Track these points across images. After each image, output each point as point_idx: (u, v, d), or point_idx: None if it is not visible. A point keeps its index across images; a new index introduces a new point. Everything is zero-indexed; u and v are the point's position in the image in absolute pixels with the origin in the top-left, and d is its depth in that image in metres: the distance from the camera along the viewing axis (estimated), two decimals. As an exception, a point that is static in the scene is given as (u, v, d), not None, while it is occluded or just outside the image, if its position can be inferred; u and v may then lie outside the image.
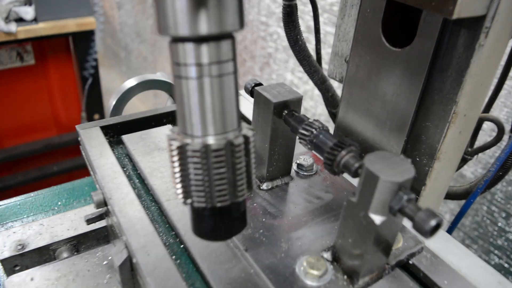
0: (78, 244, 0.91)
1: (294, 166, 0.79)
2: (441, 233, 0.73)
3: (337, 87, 1.13)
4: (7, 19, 2.34)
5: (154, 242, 0.64)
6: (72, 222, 0.90)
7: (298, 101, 0.66)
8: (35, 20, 2.41)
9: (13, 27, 2.30)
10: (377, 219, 0.50)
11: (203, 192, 0.48)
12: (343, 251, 0.58)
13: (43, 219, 0.91)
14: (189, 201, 0.50)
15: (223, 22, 0.43)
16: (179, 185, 0.49)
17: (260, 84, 0.70)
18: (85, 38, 2.62)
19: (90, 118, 2.81)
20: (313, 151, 0.60)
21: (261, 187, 0.73)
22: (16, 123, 2.77)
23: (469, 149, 1.03)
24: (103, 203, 0.76)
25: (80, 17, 2.52)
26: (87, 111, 2.79)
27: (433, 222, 0.45)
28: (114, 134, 0.94)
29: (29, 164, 2.78)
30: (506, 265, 1.53)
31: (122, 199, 0.71)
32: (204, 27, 0.42)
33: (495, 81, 0.92)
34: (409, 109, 0.79)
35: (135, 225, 0.67)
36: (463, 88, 0.72)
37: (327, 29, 1.93)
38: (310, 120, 0.61)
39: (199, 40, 0.43)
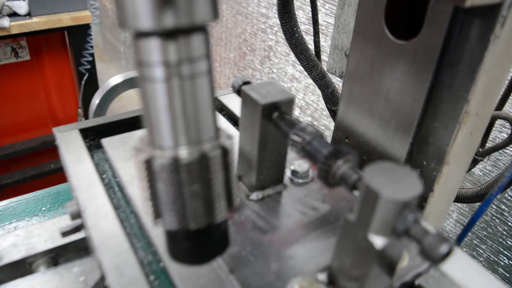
0: (57, 256, 0.85)
1: (288, 173, 0.72)
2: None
3: (340, 82, 1.05)
4: (0, 14, 2.28)
5: (129, 261, 0.57)
6: (51, 232, 0.84)
7: (290, 102, 0.59)
8: (29, 14, 2.35)
9: (6, 22, 2.24)
10: (378, 241, 0.43)
11: (174, 213, 0.41)
12: (340, 273, 0.51)
13: (20, 229, 0.84)
14: (159, 221, 0.43)
15: (193, 12, 0.36)
16: (148, 203, 0.43)
17: (249, 83, 0.63)
18: (80, 33, 2.55)
19: (87, 115, 2.75)
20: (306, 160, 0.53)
21: (250, 197, 0.66)
22: (12, 121, 2.72)
23: (480, 149, 0.95)
24: (78, 214, 0.69)
25: (75, 11, 2.45)
26: (84, 107, 2.73)
27: (444, 248, 0.38)
28: (95, 137, 0.87)
29: (27, 162, 2.72)
30: (516, 265, 1.47)
31: (97, 212, 0.65)
32: (170, 19, 0.35)
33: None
34: (415, 108, 0.71)
35: (109, 241, 0.60)
36: (475, 84, 0.64)
37: (329, 21, 1.85)
38: (302, 125, 0.53)
39: (165, 34, 0.36)
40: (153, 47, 0.36)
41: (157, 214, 0.43)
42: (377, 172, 0.42)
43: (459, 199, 1.01)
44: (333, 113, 1.10)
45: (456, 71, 0.65)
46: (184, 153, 0.39)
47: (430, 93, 0.69)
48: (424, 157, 0.75)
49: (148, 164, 0.40)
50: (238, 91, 0.62)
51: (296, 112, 2.21)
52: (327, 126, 2.05)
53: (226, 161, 0.42)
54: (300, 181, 0.70)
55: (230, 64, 2.74)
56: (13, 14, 2.33)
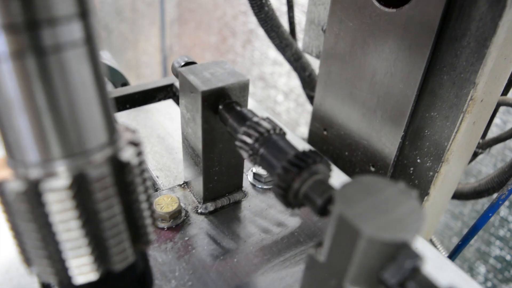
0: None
1: (249, 176, 0.57)
2: (447, 264, 0.52)
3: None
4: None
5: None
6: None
7: (242, 87, 0.44)
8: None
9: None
10: (359, 296, 0.29)
11: (48, 260, 0.27)
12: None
13: None
14: (33, 270, 0.28)
15: None
16: (15, 243, 0.28)
17: (192, 63, 0.48)
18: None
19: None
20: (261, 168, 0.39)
21: (198, 210, 0.52)
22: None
23: (481, 141, 0.82)
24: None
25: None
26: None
27: (461, 319, 0.24)
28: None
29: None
30: (508, 257, 1.38)
31: (2, 234, 0.50)
32: None
33: None
34: (407, 94, 0.57)
35: (11, 273, 0.46)
36: (485, 63, 0.50)
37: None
38: (255, 119, 0.39)
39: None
40: None
41: (28, 260, 0.28)
42: (356, 194, 0.28)
43: (454, 195, 0.88)
44: (312, 100, 0.96)
45: (460, 46, 0.51)
46: (52, 173, 0.25)
47: (426, 75, 0.56)
48: (418, 153, 0.62)
49: (0, 190, 0.26)
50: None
51: (281, 98, 2.07)
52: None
53: (126, 181, 0.27)
54: (264, 186, 0.56)
55: (211, 48, 2.59)
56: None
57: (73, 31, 0.24)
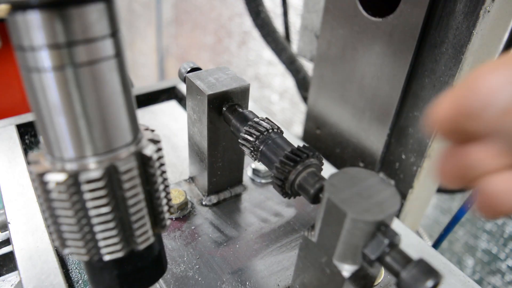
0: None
1: (249, 172, 0.62)
2: (429, 250, 0.58)
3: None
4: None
5: (55, 285, 0.47)
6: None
7: (243, 91, 0.49)
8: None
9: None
10: (346, 269, 0.34)
11: (81, 241, 0.32)
12: (304, 298, 0.43)
13: None
14: (67, 251, 0.33)
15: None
16: (51, 228, 0.33)
17: (198, 69, 0.53)
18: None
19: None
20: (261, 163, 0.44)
21: (202, 202, 0.57)
22: (-15, 110, 2.55)
23: (464, 138, 0.87)
24: (6, 225, 0.59)
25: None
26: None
27: (429, 284, 0.29)
28: (37, 133, 0.76)
29: None
30: (494, 250, 1.43)
31: (25, 224, 0.55)
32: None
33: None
34: (393, 96, 0.62)
35: (34, 260, 0.50)
36: (461, 68, 0.55)
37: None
38: (256, 119, 0.44)
39: (48, 5, 0.26)
40: (34, 25, 0.26)
41: (63, 242, 0.33)
42: (342, 183, 0.33)
43: (439, 189, 0.93)
44: (306, 100, 1.01)
45: (439, 52, 0.57)
46: (86, 166, 0.30)
47: (409, 78, 0.61)
48: (403, 150, 0.67)
49: (42, 181, 0.30)
50: (185, 79, 0.52)
51: (275, 98, 2.12)
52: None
53: (148, 173, 0.32)
54: (263, 181, 0.61)
55: (207, 49, 2.63)
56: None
57: (106, 47, 0.29)
